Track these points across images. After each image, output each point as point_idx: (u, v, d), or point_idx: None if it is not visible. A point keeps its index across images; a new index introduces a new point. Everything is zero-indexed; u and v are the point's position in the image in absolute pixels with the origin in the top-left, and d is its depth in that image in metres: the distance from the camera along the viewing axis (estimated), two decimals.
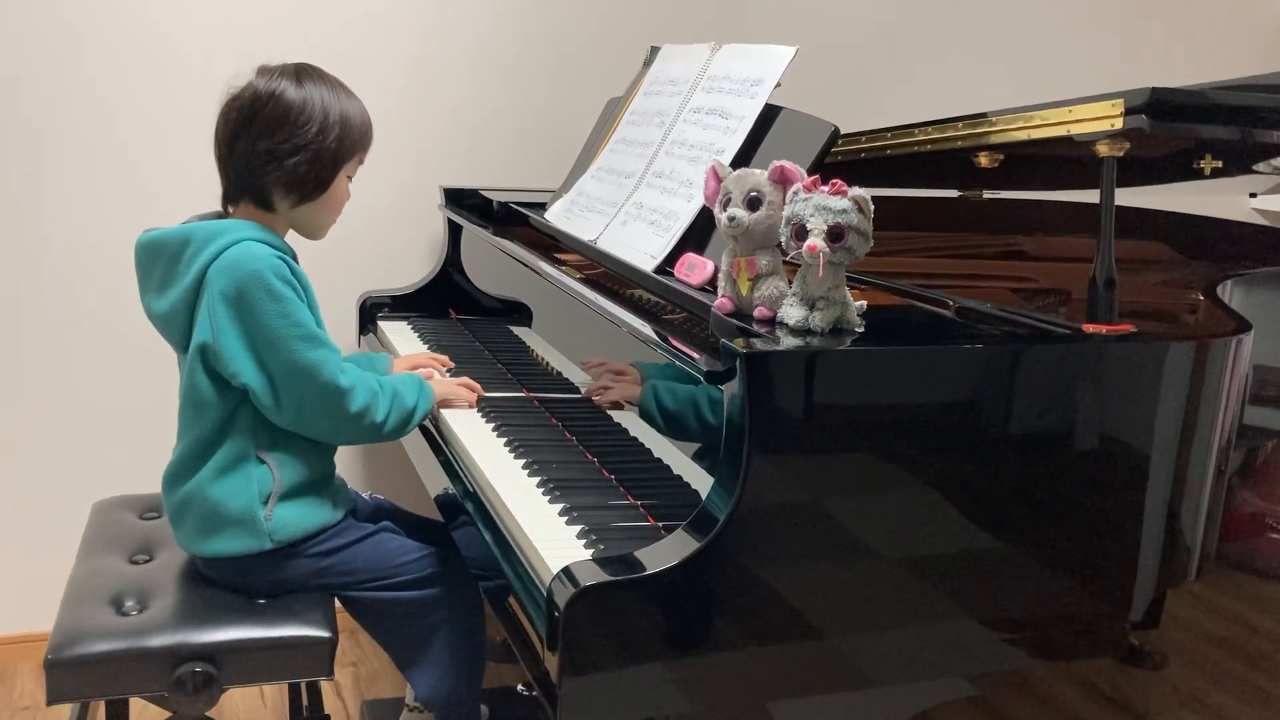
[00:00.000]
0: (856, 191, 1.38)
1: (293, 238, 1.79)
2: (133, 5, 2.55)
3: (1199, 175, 2.04)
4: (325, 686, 1.84)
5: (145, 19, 2.56)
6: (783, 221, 1.42)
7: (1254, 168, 2.11)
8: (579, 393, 1.96)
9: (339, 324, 2.65)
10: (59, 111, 2.54)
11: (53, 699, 1.60)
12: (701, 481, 1.51)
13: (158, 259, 1.70)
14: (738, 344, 1.31)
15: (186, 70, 2.58)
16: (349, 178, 1.79)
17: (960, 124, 1.87)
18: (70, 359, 2.62)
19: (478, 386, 2.00)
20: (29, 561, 2.62)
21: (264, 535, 1.70)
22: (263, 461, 1.71)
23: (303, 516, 1.73)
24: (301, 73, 1.73)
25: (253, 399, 1.68)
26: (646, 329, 1.62)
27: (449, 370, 2.15)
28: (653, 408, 1.65)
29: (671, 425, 1.62)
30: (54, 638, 1.62)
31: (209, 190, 1.78)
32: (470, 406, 1.96)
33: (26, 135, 2.53)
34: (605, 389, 1.81)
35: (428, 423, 1.94)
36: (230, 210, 1.77)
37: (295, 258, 1.75)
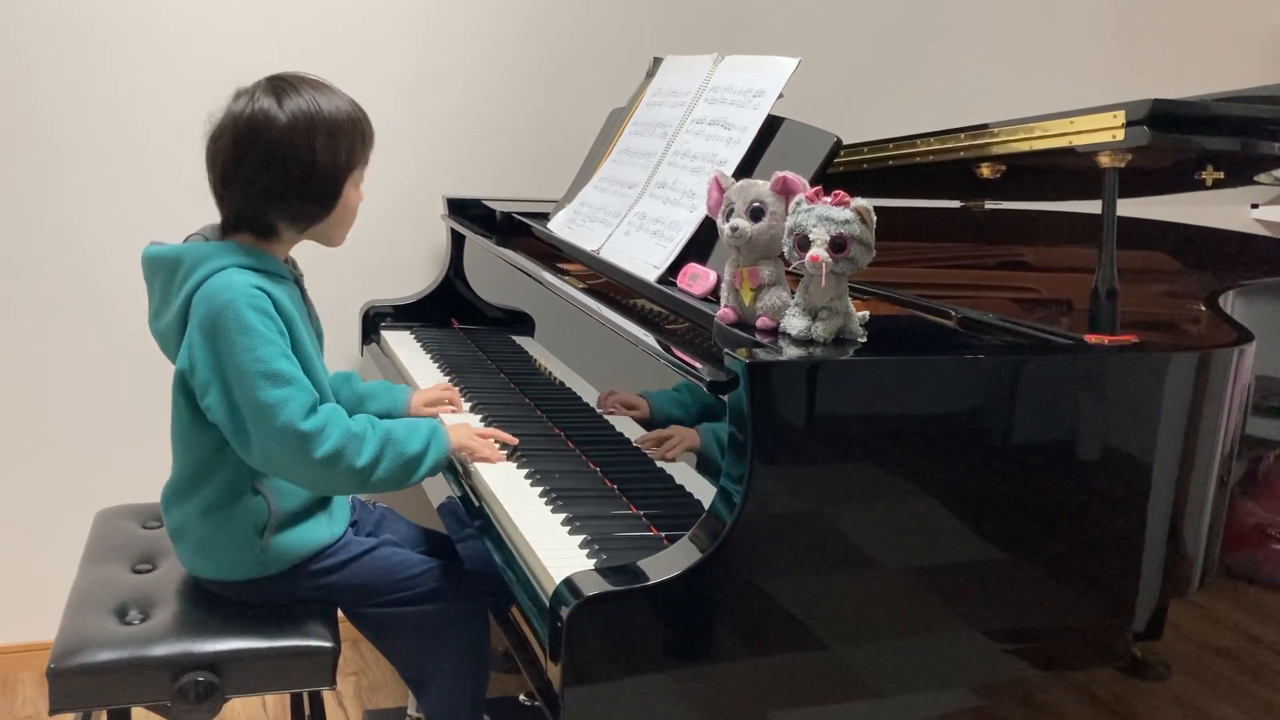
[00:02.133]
0: (859, 202, 1.38)
1: (306, 247, 1.75)
2: (140, 6, 2.56)
3: (1200, 186, 2.04)
4: (327, 696, 1.83)
5: (156, 20, 2.57)
6: (785, 232, 1.42)
7: (1255, 179, 2.12)
8: (581, 402, 1.96)
9: (342, 334, 2.65)
10: (68, 118, 2.55)
11: (55, 708, 1.60)
12: (704, 491, 1.51)
13: (157, 275, 1.67)
14: (741, 354, 1.31)
15: (185, 75, 2.58)
16: (357, 186, 1.71)
17: (962, 135, 1.88)
18: (73, 367, 2.62)
19: (509, 438, 1.80)
20: (31, 570, 2.62)
21: (262, 563, 1.69)
22: (258, 492, 1.68)
23: (301, 540, 1.71)
24: (280, 90, 1.62)
25: (225, 436, 1.61)
26: (649, 339, 1.63)
27: (482, 418, 1.97)
28: (713, 449, 1.57)
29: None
30: (56, 647, 1.61)
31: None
32: (500, 460, 1.76)
33: (32, 140, 2.54)
34: (667, 448, 1.66)
35: None
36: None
37: (299, 281, 1.73)
